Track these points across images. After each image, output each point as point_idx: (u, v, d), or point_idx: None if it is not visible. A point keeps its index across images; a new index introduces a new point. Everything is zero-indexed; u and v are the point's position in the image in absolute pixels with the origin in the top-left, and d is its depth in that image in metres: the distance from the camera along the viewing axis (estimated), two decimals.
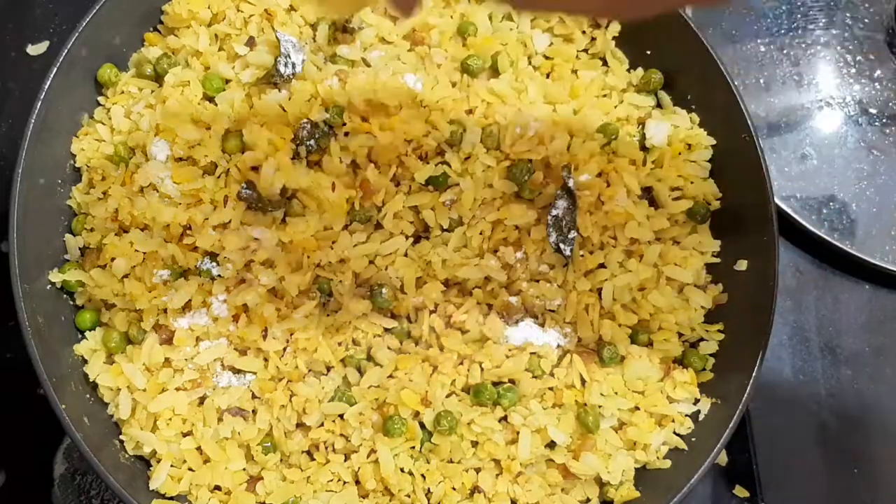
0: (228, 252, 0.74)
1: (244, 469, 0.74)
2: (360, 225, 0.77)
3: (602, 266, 0.79)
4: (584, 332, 0.78)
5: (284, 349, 0.75)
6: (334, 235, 0.76)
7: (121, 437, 0.74)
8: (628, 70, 0.87)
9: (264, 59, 0.78)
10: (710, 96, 0.83)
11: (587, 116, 0.81)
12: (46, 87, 0.74)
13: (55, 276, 0.75)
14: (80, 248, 0.78)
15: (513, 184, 0.77)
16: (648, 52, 0.86)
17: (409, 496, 0.73)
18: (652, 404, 0.77)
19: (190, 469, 0.73)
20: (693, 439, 0.77)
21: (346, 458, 0.74)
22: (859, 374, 0.97)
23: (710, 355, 0.80)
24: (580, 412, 0.76)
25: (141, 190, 0.75)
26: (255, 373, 0.75)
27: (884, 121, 1.00)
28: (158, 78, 0.80)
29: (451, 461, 0.75)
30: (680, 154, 0.83)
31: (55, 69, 0.74)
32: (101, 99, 0.81)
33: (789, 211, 0.96)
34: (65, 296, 0.77)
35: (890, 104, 1.01)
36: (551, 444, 0.75)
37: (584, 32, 0.87)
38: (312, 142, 0.75)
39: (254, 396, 0.75)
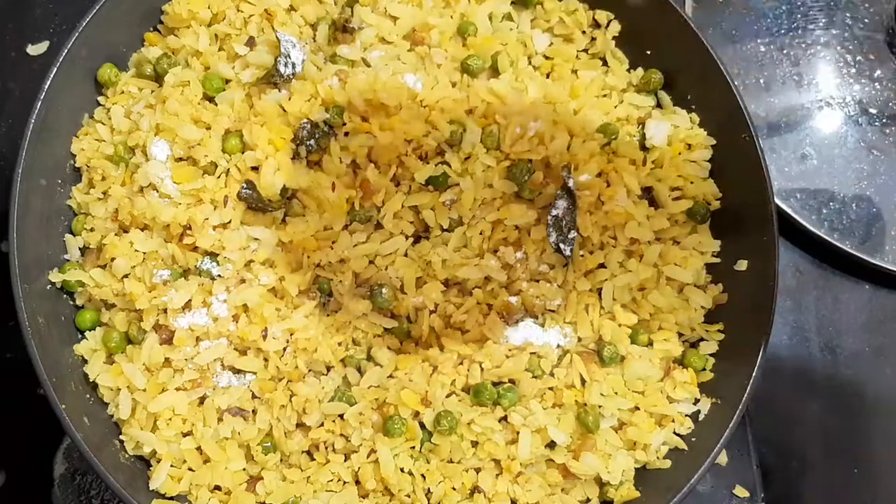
0: (228, 252, 0.74)
1: (244, 469, 0.74)
2: (360, 225, 0.77)
3: (602, 266, 0.79)
4: (584, 332, 0.78)
5: (284, 349, 0.75)
6: (334, 235, 0.76)
7: (121, 437, 0.74)
8: (628, 70, 0.87)
9: (264, 59, 0.78)
10: (710, 96, 0.83)
11: (587, 116, 0.81)
12: (46, 87, 0.74)
13: (55, 276, 0.75)
14: (80, 248, 0.78)
15: (513, 184, 0.77)
16: (648, 52, 0.86)
17: (409, 496, 0.73)
18: (652, 404, 0.77)
19: (190, 469, 0.73)
20: (693, 439, 0.77)
21: (346, 458, 0.74)
22: (859, 374, 0.97)
23: (710, 355, 0.80)
24: (580, 412, 0.76)
25: (141, 190, 0.75)
26: (255, 373, 0.75)
27: (884, 121, 1.00)
28: (158, 78, 0.80)
29: (451, 461, 0.75)
30: (680, 154, 0.83)
31: (55, 69, 0.74)
32: (101, 99, 0.81)
33: (789, 211, 0.96)
34: (65, 296, 0.77)
35: (890, 104, 1.01)
36: (551, 444, 0.75)
37: (584, 32, 0.87)
38: (312, 142, 0.75)
39: (254, 396, 0.75)
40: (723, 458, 0.88)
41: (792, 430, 0.95)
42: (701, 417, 0.78)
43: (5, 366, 0.89)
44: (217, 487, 0.74)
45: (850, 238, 0.96)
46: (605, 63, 0.87)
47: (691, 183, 0.82)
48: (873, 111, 1.01)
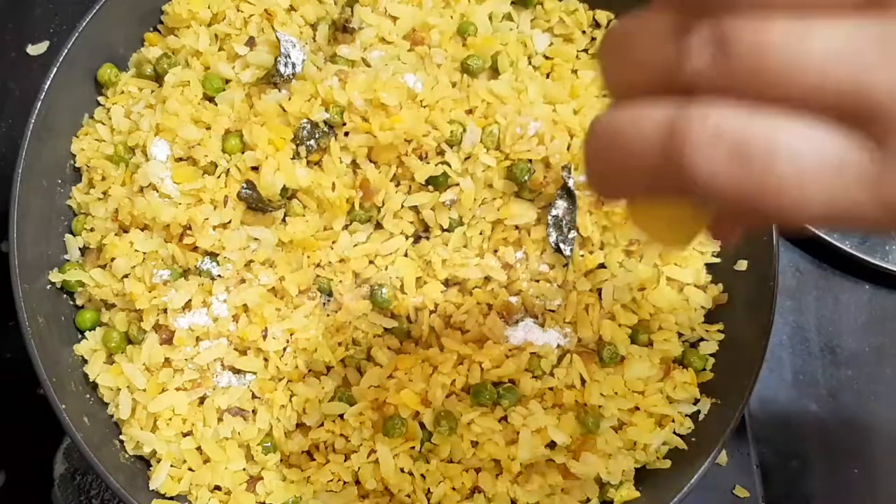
0: (228, 252, 0.74)
1: (244, 469, 0.74)
2: (360, 225, 0.77)
3: (602, 266, 0.79)
4: (584, 332, 0.78)
5: (284, 349, 0.75)
6: (334, 235, 0.76)
7: (121, 437, 0.74)
8: None
9: (264, 59, 0.78)
10: None
11: (587, 116, 0.81)
12: (46, 87, 0.74)
13: (55, 276, 0.75)
14: (80, 248, 0.79)
15: (513, 184, 0.77)
16: None
17: (409, 496, 0.73)
18: (652, 404, 0.77)
19: (190, 469, 0.73)
20: (693, 439, 0.77)
21: (346, 458, 0.74)
22: (859, 374, 0.97)
23: (710, 355, 0.80)
24: (580, 412, 0.76)
25: (141, 190, 0.75)
26: (255, 373, 0.75)
27: None
28: (158, 78, 0.80)
29: (451, 461, 0.75)
30: None
31: (55, 69, 0.74)
32: (101, 99, 0.81)
33: None
34: (65, 296, 0.78)
35: None
36: (551, 445, 0.75)
37: (584, 32, 0.87)
38: (312, 142, 0.75)
39: (254, 396, 0.75)
40: (723, 458, 0.88)
41: (792, 430, 0.95)
42: (701, 417, 0.78)
43: (5, 366, 0.89)
44: (217, 487, 0.74)
45: (850, 238, 0.96)
46: None
47: None
48: None
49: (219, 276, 0.75)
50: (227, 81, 0.79)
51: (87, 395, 0.75)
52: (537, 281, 0.78)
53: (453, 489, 0.74)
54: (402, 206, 0.77)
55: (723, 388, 0.78)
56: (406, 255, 0.77)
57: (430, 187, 0.77)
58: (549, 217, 0.76)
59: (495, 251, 0.78)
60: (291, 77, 0.78)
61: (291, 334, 0.75)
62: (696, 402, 0.79)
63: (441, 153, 0.78)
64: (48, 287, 0.75)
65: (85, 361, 0.75)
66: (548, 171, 0.79)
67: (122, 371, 0.73)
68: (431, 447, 0.74)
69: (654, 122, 0.28)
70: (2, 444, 0.87)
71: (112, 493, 0.77)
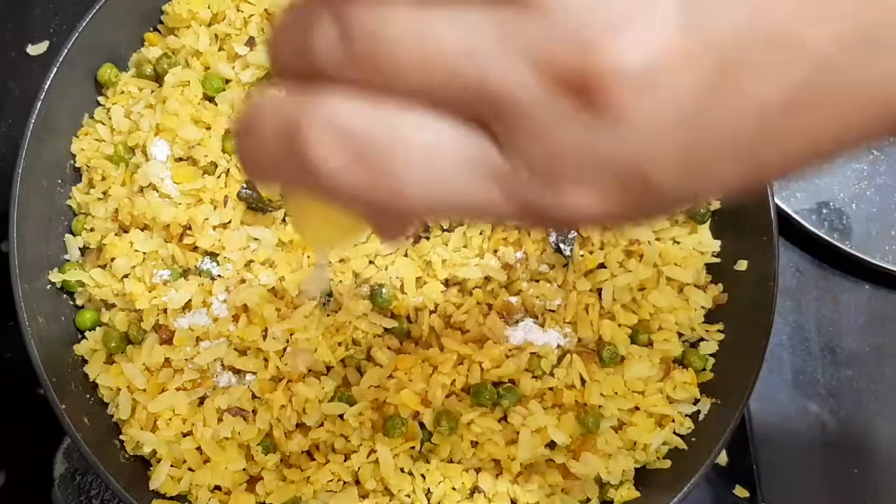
0: (228, 252, 0.74)
1: (244, 469, 0.74)
2: None
3: (602, 266, 0.79)
4: (584, 332, 0.78)
5: (284, 349, 0.75)
6: None
7: (121, 437, 0.74)
8: None
9: (264, 59, 0.78)
10: None
11: None
12: (46, 87, 0.74)
13: (55, 276, 0.75)
14: (80, 248, 0.78)
15: None
16: None
17: (409, 496, 0.73)
18: (652, 404, 0.77)
19: (190, 469, 0.73)
20: (693, 439, 0.77)
21: (346, 458, 0.74)
22: (859, 374, 0.97)
23: (710, 355, 0.80)
24: (580, 412, 0.76)
25: (141, 190, 0.75)
26: (255, 373, 0.75)
27: None
28: (158, 78, 0.80)
29: (451, 461, 0.75)
30: None
31: (55, 69, 0.74)
32: (101, 99, 0.81)
33: (789, 211, 0.96)
34: (65, 296, 0.77)
35: None
36: (551, 445, 0.75)
37: None
38: None
39: (254, 396, 0.75)
40: (723, 458, 0.88)
41: (792, 430, 0.95)
42: (701, 417, 0.78)
43: (5, 366, 0.89)
44: (217, 487, 0.74)
45: (850, 238, 0.96)
46: None
47: None
48: None
49: (219, 276, 0.75)
50: (227, 81, 0.79)
51: (87, 395, 0.75)
52: (537, 281, 0.78)
53: (453, 489, 0.74)
54: None
55: (723, 388, 0.78)
56: (406, 254, 0.77)
57: None
58: None
59: (495, 251, 0.78)
60: None
61: (291, 334, 0.75)
62: (696, 402, 0.79)
63: None
64: (48, 287, 0.75)
65: (85, 361, 0.75)
66: None
67: (122, 371, 0.73)
68: (431, 447, 0.74)
69: (279, 111, 0.26)
70: (2, 444, 0.87)
71: (112, 493, 0.77)
